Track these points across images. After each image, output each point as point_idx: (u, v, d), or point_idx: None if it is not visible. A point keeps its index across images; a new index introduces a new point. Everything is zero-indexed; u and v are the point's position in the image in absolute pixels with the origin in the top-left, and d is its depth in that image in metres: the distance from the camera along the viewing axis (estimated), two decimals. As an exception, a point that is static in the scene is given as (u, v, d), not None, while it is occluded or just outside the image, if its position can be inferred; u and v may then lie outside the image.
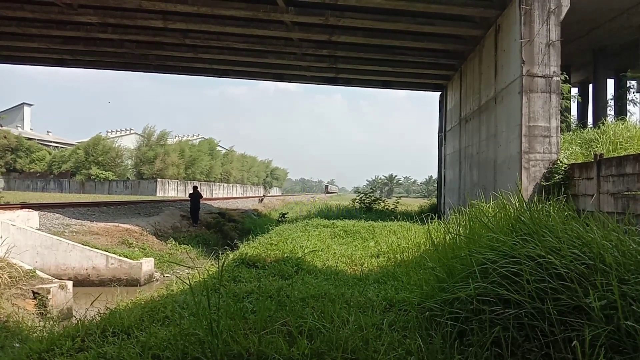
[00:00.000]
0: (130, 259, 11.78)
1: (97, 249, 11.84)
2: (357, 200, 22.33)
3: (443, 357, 3.02)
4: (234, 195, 54.90)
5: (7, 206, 14.49)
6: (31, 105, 68.12)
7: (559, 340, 2.69)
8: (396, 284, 5.70)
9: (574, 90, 18.28)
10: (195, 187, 19.79)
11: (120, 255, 11.81)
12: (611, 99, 17.83)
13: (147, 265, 11.90)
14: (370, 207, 21.30)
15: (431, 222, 8.01)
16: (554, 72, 9.87)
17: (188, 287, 4.26)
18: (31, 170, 51.44)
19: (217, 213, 22.25)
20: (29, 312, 7.94)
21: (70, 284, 9.45)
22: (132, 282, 11.16)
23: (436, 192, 23.32)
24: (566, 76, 11.20)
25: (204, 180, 53.64)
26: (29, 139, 54.20)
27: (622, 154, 8.54)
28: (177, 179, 49.00)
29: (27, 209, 13.16)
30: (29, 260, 10.47)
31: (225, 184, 60.46)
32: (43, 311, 8.13)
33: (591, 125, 14.58)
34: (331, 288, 5.50)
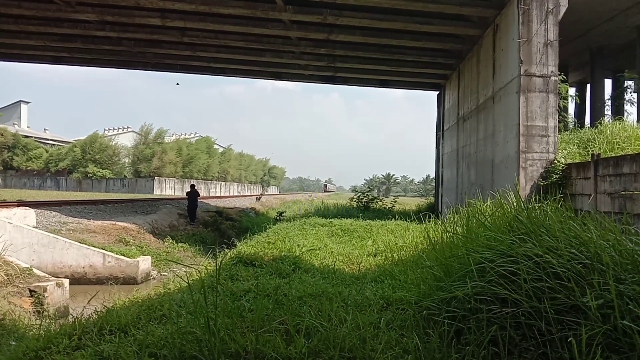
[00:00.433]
0: (127, 257, 11.78)
1: (94, 247, 11.82)
2: (354, 200, 22.35)
3: (440, 356, 3.02)
4: (231, 194, 54.82)
5: (4, 204, 14.40)
6: (28, 102, 68.11)
7: (556, 339, 2.70)
8: (393, 283, 5.70)
9: (572, 90, 18.31)
10: (192, 186, 19.71)
11: (117, 254, 11.80)
12: (608, 99, 17.88)
13: (144, 263, 11.89)
14: (367, 206, 21.33)
15: (429, 221, 8.01)
16: (552, 71, 9.89)
17: (185, 285, 4.26)
18: (28, 168, 51.32)
19: (215, 211, 22.24)
20: (26, 310, 7.91)
21: (67, 282, 9.44)
22: (129, 281, 11.15)
23: (434, 191, 23.32)
24: (564, 76, 11.23)
25: (202, 179, 53.59)
26: (26, 136, 54.06)
27: (620, 154, 8.57)
28: (174, 177, 48.95)
29: (24, 207, 13.12)
30: (26, 258, 10.45)
31: (223, 183, 60.44)
32: (40, 309, 8.12)
33: (589, 125, 14.60)
34: (329, 287, 5.49)
